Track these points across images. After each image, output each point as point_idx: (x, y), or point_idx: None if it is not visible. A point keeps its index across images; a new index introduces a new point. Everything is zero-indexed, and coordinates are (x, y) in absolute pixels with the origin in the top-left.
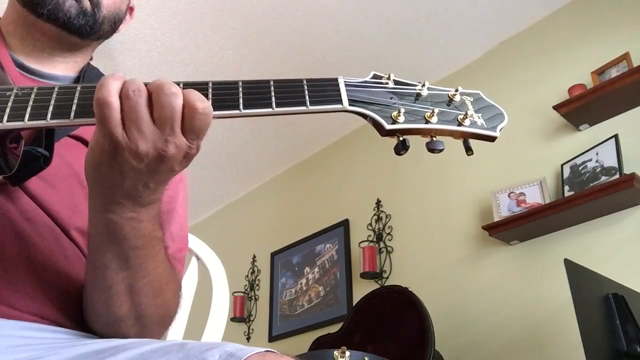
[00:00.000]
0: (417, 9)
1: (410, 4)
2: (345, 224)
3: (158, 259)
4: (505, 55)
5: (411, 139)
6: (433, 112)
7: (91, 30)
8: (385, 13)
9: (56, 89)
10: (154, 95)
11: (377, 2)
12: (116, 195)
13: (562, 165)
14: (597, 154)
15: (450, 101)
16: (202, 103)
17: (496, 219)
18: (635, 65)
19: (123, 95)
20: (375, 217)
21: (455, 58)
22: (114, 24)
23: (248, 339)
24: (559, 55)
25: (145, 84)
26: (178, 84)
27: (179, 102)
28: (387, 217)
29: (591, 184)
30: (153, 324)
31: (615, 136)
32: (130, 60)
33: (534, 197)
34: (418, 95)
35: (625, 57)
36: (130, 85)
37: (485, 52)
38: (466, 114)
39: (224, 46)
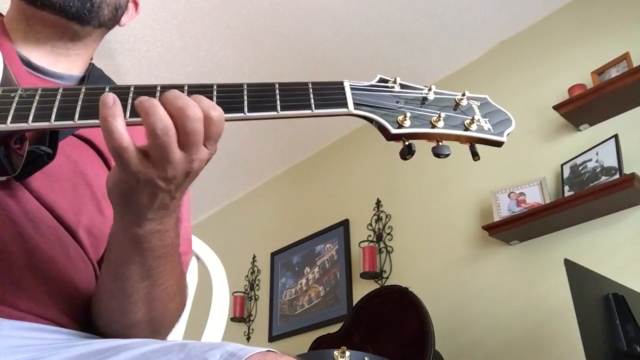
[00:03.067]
0: (417, 9)
1: (410, 4)
2: (345, 224)
3: (175, 265)
4: (505, 55)
5: (413, 141)
6: (439, 116)
7: (90, 14)
8: (385, 13)
9: (60, 91)
10: (177, 119)
11: (377, 2)
12: (147, 214)
13: (562, 165)
14: (597, 154)
15: (456, 105)
16: (215, 111)
17: (496, 219)
18: (635, 65)
19: (149, 134)
20: (375, 217)
21: (455, 58)
22: (115, 10)
23: (248, 339)
24: (559, 55)
25: (149, 87)
26: (182, 86)
27: (202, 125)
28: (387, 217)
29: (591, 184)
30: (163, 327)
31: (615, 136)
32: (130, 60)
33: (534, 197)
34: (424, 99)
35: (625, 57)
36: (157, 123)
37: (485, 52)
38: (473, 118)
39: (224, 46)
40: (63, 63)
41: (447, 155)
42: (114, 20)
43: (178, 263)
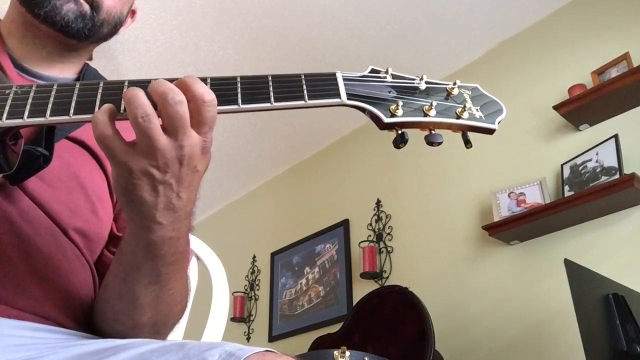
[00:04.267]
0: (417, 9)
1: (411, 4)
2: (345, 224)
3: (183, 271)
4: (505, 55)
5: (412, 140)
6: (431, 105)
7: (89, 33)
8: (386, 13)
9: (55, 87)
10: (159, 106)
11: (377, 2)
12: (155, 215)
13: (562, 165)
14: (597, 154)
15: (448, 95)
16: (209, 95)
17: (496, 219)
18: (635, 65)
19: (132, 122)
20: (375, 217)
21: (455, 58)
22: (115, 27)
23: (248, 339)
24: (559, 55)
25: (144, 82)
26: (175, 80)
27: (185, 109)
28: (387, 217)
29: (591, 184)
30: (166, 329)
31: (615, 136)
32: (130, 60)
33: (534, 197)
34: (416, 89)
35: (625, 57)
36: (137, 111)
37: (485, 52)
38: (464, 107)
39: (224, 46)
40: (57, 68)
41: (439, 143)
42: (113, 34)
43: (186, 269)
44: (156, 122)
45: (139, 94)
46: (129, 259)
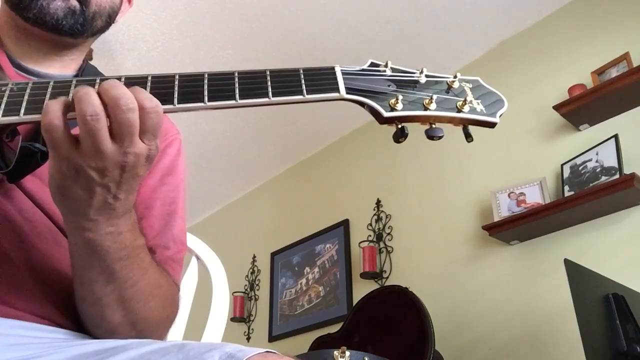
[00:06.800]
0: (417, 9)
1: (411, 4)
2: (345, 224)
3: (144, 265)
4: (505, 55)
5: (412, 140)
6: (432, 99)
7: (83, 28)
8: (386, 13)
9: (51, 83)
10: (109, 109)
11: (377, 2)
12: (88, 213)
13: (562, 165)
14: (597, 154)
15: (449, 88)
16: (150, 102)
17: (496, 219)
18: (635, 65)
19: (80, 120)
20: (375, 217)
21: (455, 58)
22: (109, 18)
23: (248, 339)
24: (559, 55)
25: (140, 78)
26: (173, 75)
27: (135, 116)
28: (387, 217)
29: (591, 184)
30: (151, 328)
31: (615, 136)
32: (130, 60)
33: (534, 197)
34: (416, 82)
35: (625, 57)
36: (87, 109)
37: (485, 52)
38: (465, 100)
39: (224, 46)
40: (56, 67)
41: (440, 137)
42: (109, 24)
43: (149, 262)
44: (104, 124)
45: (91, 92)
46: (77, 260)
